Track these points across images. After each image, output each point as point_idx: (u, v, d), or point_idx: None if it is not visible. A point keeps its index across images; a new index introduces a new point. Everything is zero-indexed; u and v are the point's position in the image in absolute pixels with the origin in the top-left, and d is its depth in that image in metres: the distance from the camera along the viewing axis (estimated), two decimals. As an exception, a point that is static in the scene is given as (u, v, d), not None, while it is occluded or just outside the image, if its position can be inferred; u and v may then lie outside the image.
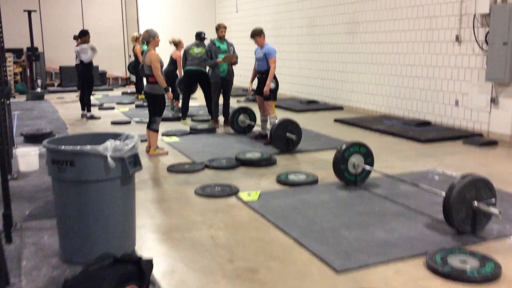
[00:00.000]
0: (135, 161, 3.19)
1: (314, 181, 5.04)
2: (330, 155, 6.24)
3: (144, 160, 6.04)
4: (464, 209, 3.59)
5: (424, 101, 8.46)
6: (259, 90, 6.99)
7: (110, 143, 2.99)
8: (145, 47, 12.51)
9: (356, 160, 4.85)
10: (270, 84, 6.71)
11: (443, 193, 3.74)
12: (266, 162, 5.82)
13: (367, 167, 4.84)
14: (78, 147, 2.99)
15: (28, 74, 14.26)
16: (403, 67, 8.85)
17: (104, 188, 3.07)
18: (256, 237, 3.69)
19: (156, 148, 6.39)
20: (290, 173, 5.31)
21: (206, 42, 8.51)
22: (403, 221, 3.96)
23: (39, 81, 13.97)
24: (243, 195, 4.63)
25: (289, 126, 6.48)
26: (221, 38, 8.24)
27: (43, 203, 4.45)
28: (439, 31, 8.01)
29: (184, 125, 8.65)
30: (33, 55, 13.65)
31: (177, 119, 9.15)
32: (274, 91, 6.93)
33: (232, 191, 4.73)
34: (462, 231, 3.63)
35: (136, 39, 12.02)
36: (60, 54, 15.62)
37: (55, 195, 3.22)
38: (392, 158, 6.11)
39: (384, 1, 9.13)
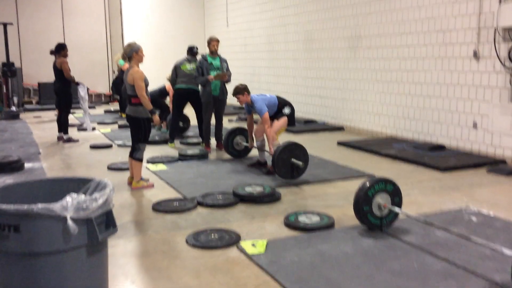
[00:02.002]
0: (107, 221, 2.31)
1: (330, 225, 4.18)
2: (341, 188, 5.45)
3: (125, 194, 5.17)
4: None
5: (436, 123, 7.70)
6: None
7: (71, 199, 2.12)
8: (121, 61, 11.74)
9: (382, 200, 4.01)
10: (273, 147, 5.99)
11: (506, 251, 2.92)
12: (269, 198, 4.96)
13: (396, 209, 4.00)
14: (25, 207, 2.11)
15: (5, 91, 13.27)
16: (412, 85, 8.10)
17: (62, 262, 2.19)
18: (269, 312, 2.82)
19: (140, 179, 5.50)
20: (299, 213, 4.45)
21: (199, 57, 7.68)
22: (453, 285, 3.11)
23: (15, 99, 12.99)
24: (246, 245, 3.76)
25: (296, 150, 5.65)
26: (213, 53, 7.42)
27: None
28: (454, 46, 7.29)
29: (172, 149, 7.77)
30: (9, 70, 12.69)
31: (164, 141, 8.27)
32: (290, 117, 6.20)
33: (232, 240, 3.86)
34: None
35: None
36: (39, 70, 14.66)
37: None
38: (413, 191, 5.29)
39: (390, 14, 8.42)
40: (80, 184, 2.48)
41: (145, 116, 5.35)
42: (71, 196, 2.12)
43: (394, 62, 8.42)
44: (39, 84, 14.46)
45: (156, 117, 5.41)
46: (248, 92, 6.17)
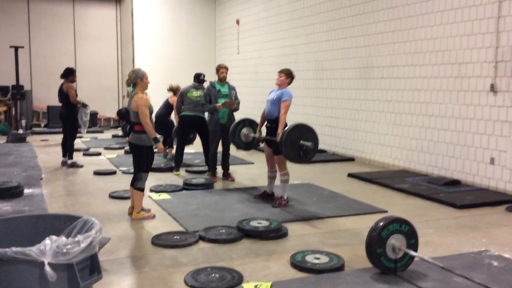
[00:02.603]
0: (91, 267, 2.06)
1: (340, 267, 3.89)
2: (351, 224, 5.16)
3: (124, 225, 4.93)
4: None
5: (451, 157, 7.42)
6: (269, 141, 5.92)
7: (50, 242, 1.89)
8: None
9: (397, 242, 3.73)
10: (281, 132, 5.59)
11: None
12: (275, 234, 4.68)
13: (412, 252, 3.71)
14: (-1, 249, 1.88)
15: (13, 113, 13.22)
16: (425, 117, 7.86)
17: (38, 312, 1.94)
18: None
19: (141, 210, 5.26)
20: (307, 252, 4.17)
21: (206, 84, 7.52)
22: None
23: (23, 122, 12.94)
24: None
25: (306, 132, 5.39)
26: (222, 80, 7.26)
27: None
28: (470, 79, 7.06)
29: (177, 177, 7.55)
30: (18, 93, 12.68)
31: (169, 169, 8.05)
32: None
33: (233, 280, 3.59)
34: None
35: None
36: (49, 93, 14.59)
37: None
38: (429, 231, 4.98)
39: (403, 45, 8.25)
40: (66, 222, 2.26)
41: (148, 144, 5.15)
42: (50, 239, 1.89)
43: (407, 93, 8.21)
44: (48, 108, 14.43)
45: (160, 145, 5.22)
46: (290, 82, 5.90)
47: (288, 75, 5.87)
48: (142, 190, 5.23)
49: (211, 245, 4.43)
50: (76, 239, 2.01)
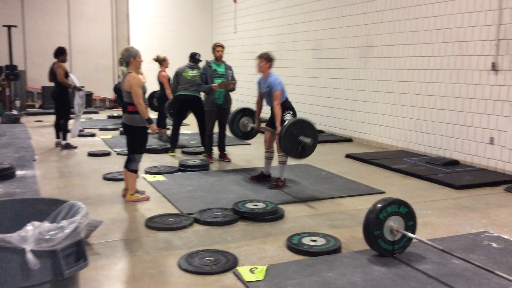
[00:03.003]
0: (77, 253, 1.97)
1: (336, 249, 3.82)
2: (349, 206, 5.09)
3: (118, 208, 4.85)
4: None
5: (450, 137, 7.32)
6: (271, 121, 5.82)
7: (32, 228, 1.79)
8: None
9: (395, 223, 3.65)
10: (280, 125, 5.49)
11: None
12: (272, 216, 4.60)
13: (410, 234, 3.64)
14: (-23, 235, 1.79)
15: (8, 93, 13.03)
16: (425, 97, 7.73)
17: (21, 300, 1.85)
18: None
19: (135, 192, 5.17)
20: (303, 234, 4.09)
21: (202, 64, 7.36)
22: (476, 326, 2.75)
23: (17, 102, 12.78)
24: (244, 271, 3.41)
25: (307, 128, 5.29)
26: (218, 60, 7.10)
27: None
28: (471, 58, 6.92)
29: (173, 158, 7.45)
30: (12, 73, 12.50)
31: (164, 150, 7.95)
32: None
33: (228, 263, 3.51)
34: None
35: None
36: (44, 74, 14.16)
37: None
38: (427, 212, 4.91)
39: (404, 24, 8.08)
40: (52, 206, 2.16)
41: (142, 125, 5.04)
42: (33, 225, 1.80)
43: (406, 73, 8.07)
44: (43, 88, 14.23)
45: (154, 126, 5.09)
46: (271, 65, 5.77)
47: (267, 59, 5.74)
48: (135, 172, 5.13)
49: (206, 228, 4.36)
50: (60, 224, 1.92)
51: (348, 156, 7.82)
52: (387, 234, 3.64)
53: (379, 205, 3.64)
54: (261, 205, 4.79)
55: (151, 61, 9.16)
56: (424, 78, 7.73)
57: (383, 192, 5.61)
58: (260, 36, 12.84)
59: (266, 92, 5.73)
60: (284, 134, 5.17)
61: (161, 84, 8.82)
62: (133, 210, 4.89)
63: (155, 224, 4.37)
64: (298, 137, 5.21)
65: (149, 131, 5.14)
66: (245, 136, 6.63)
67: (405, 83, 8.11)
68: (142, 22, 15.35)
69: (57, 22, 15.06)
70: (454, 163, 7.01)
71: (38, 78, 14.66)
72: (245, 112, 6.50)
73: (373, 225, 3.59)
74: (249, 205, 4.76)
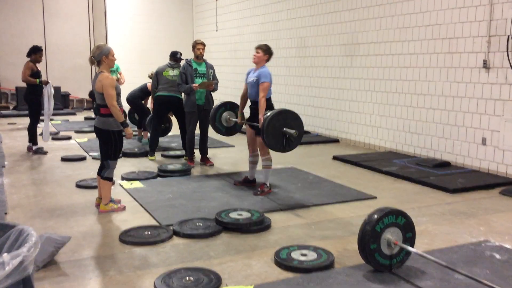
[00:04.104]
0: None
1: (329, 264, 3.50)
2: (339, 213, 4.79)
3: (91, 219, 4.47)
4: None
5: (441, 138, 7.08)
6: (252, 119, 5.47)
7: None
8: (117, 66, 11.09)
9: (392, 236, 3.35)
10: (263, 116, 5.13)
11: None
12: (258, 227, 4.27)
13: (409, 248, 3.34)
14: None
15: (-21, 95, 12.47)
16: (414, 96, 7.48)
17: None
18: None
19: (109, 201, 4.78)
20: (292, 247, 3.76)
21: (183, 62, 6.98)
22: None
23: (-11, 104, 12.20)
24: (228, 292, 3.07)
25: (289, 118, 4.95)
26: (199, 58, 6.73)
27: None
28: (461, 55, 6.68)
29: (152, 162, 7.07)
30: (-18, 74, 11.91)
31: (143, 154, 7.55)
32: None
33: (211, 283, 3.17)
34: None
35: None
36: (18, 74, 13.58)
37: None
38: (423, 219, 4.63)
39: (391, 20, 7.81)
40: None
41: (116, 128, 4.65)
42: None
43: (394, 71, 7.81)
44: (17, 89, 13.65)
45: (129, 130, 4.71)
46: (268, 59, 5.39)
47: (265, 51, 5.37)
48: (110, 179, 4.75)
49: (186, 241, 4.00)
50: (3, 259, 1.55)
51: (335, 158, 7.53)
52: (384, 248, 3.34)
53: (375, 216, 3.32)
54: (245, 214, 4.45)
55: (131, 61, 8.78)
56: (412, 76, 7.48)
57: (375, 198, 5.32)
58: (242, 34, 12.49)
59: (253, 82, 5.33)
60: (266, 128, 4.83)
61: (144, 89, 8.43)
62: (107, 221, 4.50)
63: (130, 238, 4.00)
64: (281, 129, 4.88)
65: (124, 134, 4.76)
66: (228, 131, 6.19)
67: (392, 81, 7.86)
68: (120, 19, 14.87)
69: (31, 21, 14.50)
70: (445, 164, 6.77)
71: (12, 78, 14.09)
72: (226, 106, 6.10)
73: (369, 238, 3.28)
74: (233, 215, 4.42)
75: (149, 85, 8.26)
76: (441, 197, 5.44)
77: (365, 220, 3.37)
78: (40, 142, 7.94)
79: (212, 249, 3.83)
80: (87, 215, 4.65)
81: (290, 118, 4.96)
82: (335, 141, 9.13)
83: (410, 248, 3.33)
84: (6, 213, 4.64)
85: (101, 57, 4.56)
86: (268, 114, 4.93)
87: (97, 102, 4.67)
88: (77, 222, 4.45)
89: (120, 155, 7.33)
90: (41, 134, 8.03)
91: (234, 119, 6.00)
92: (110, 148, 4.68)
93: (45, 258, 3.42)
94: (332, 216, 4.70)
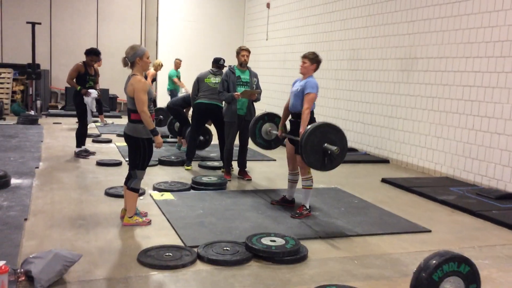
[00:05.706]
0: None
1: (373, 313, 2.96)
2: (387, 246, 4.21)
3: (112, 233, 4.14)
4: None
5: (505, 166, 6.33)
6: (292, 132, 4.99)
7: None
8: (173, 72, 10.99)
9: (452, 287, 2.77)
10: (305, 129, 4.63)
11: None
12: (292, 257, 3.77)
13: (473, 304, 2.75)
14: None
15: (30, 93, 12.64)
16: (476, 118, 6.77)
17: None
18: None
19: (134, 214, 4.43)
20: (332, 287, 3.24)
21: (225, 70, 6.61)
22: None
23: (38, 102, 12.35)
24: None
25: (329, 133, 4.46)
26: (243, 65, 6.34)
27: None
28: (535, 75, 5.95)
29: (188, 172, 6.72)
30: (33, 72, 12.09)
31: (180, 163, 7.22)
32: None
33: (231, 326, 2.70)
34: None
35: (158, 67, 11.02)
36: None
37: None
38: (485, 262, 3.98)
39: (454, 34, 7.14)
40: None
41: (146, 136, 4.30)
42: None
43: (456, 89, 7.12)
44: (66, 89, 13.82)
45: (159, 139, 4.35)
46: (316, 68, 4.94)
47: (312, 60, 4.89)
48: (136, 191, 4.39)
49: (211, 268, 3.56)
50: None
51: (384, 180, 6.91)
52: (442, 301, 2.76)
53: (434, 262, 2.76)
54: (279, 241, 3.97)
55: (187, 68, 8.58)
56: (476, 96, 6.77)
57: (429, 231, 4.70)
58: (292, 44, 12.05)
59: (297, 92, 4.87)
60: (304, 146, 4.35)
61: (184, 100, 8.18)
62: (128, 237, 4.14)
63: (150, 259, 3.59)
64: (322, 145, 4.39)
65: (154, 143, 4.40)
66: (270, 145, 5.73)
67: (453, 100, 7.16)
68: (172, 24, 14.80)
69: (85, 22, 14.71)
70: (509, 196, 6.02)
71: (62, 78, 14.20)
72: (264, 118, 5.63)
73: (424, 288, 2.72)
74: (266, 241, 3.94)
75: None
76: (506, 235, 4.74)
77: (420, 265, 2.81)
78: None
79: (238, 281, 3.37)
80: (109, 228, 4.31)
81: (330, 132, 4.46)
82: (385, 161, 8.49)
83: (474, 305, 2.74)
84: (26, 219, 4.38)
85: (135, 59, 4.23)
86: (307, 127, 4.45)
87: (128, 107, 4.35)
88: (96, 235, 4.11)
89: (157, 162, 7.09)
90: (97, 140, 8.08)
91: (275, 132, 5.54)
92: (138, 156, 4.33)
93: (52, 277, 3.08)
94: (378, 251, 4.13)
